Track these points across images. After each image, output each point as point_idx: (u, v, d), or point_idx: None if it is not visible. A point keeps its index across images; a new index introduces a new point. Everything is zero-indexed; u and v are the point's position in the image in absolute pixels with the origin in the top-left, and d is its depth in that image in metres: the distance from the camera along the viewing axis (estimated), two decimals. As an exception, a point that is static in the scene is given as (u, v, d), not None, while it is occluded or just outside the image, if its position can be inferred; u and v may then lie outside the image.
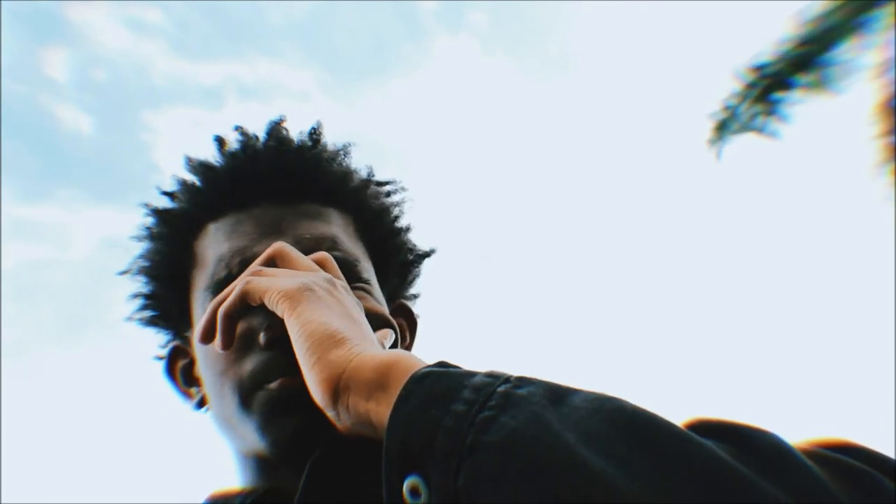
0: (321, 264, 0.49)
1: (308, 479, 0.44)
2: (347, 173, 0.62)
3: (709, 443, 0.27)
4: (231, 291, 0.46)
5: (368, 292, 0.56)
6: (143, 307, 0.63)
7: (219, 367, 0.50)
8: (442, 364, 0.36)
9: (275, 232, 0.54)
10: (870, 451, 0.29)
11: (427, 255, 0.68)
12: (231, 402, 0.50)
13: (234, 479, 0.55)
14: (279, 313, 0.43)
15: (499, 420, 0.29)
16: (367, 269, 0.59)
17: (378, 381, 0.36)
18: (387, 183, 0.66)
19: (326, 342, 0.39)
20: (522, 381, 0.31)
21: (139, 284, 0.63)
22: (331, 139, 0.64)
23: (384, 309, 0.57)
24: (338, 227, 0.59)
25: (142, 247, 0.63)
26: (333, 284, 0.46)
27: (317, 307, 0.42)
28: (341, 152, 0.63)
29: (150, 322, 0.64)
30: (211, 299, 0.51)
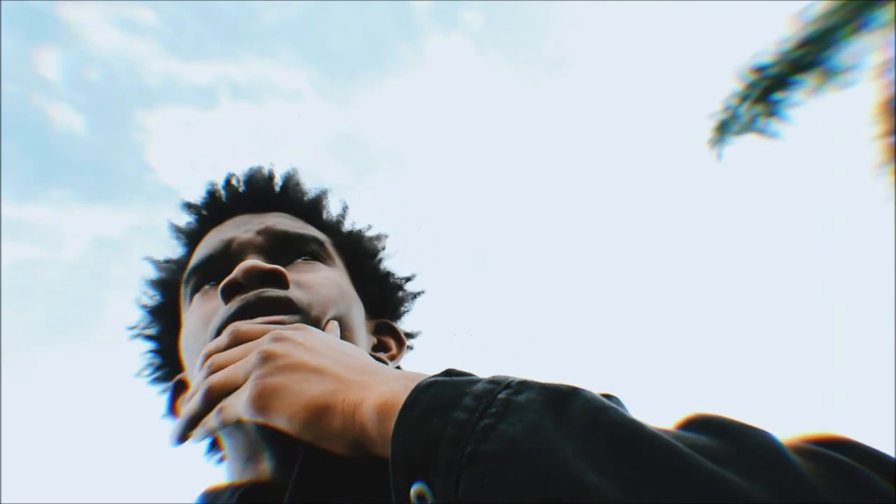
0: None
1: (299, 473, 0.44)
2: (318, 199, 0.72)
3: (696, 446, 0.28)
4: (196, 393, 0.46)
5: (317, 261, 0.63)
6: (150, 354, 0.70)
7: None
8: (448, 372, 0.36)
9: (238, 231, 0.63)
10: (864, 448, 0.29)
11: (405, 283, 0.75)
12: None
13: (225, 473, 0.56)
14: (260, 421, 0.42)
15: (497, 428, 0.29)
16: (320, 245, 0.65)
17: (383, 431, 0.35)
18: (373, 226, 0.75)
19: (318, 423, 0.38)
20: (523, 387, 0.32)
21: (144, 329, 0.71)
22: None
23: (331, 282, 0.61)
24: (300, 227, 0.66)
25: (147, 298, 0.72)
26: (283, 340, 0.45)
27: (284, 397, 0.39)
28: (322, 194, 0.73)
29: (157, 371, 0.70)
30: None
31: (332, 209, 0.73)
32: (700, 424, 0.31)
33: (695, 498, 0.25)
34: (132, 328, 0.71)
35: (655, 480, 0.26)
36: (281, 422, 0.39)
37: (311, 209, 0.71)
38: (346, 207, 0.74)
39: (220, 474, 0.65)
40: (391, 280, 0.74)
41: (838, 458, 0.28)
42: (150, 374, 0.70)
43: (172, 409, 0.65)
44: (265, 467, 0.51)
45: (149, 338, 0.70)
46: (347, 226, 0.73)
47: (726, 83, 5.15)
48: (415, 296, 0.75)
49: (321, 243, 0.66)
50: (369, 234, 0.74)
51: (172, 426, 0.48)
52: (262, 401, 0.40)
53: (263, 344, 0.44)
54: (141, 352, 0.71)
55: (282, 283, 0.55)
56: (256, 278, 0.55)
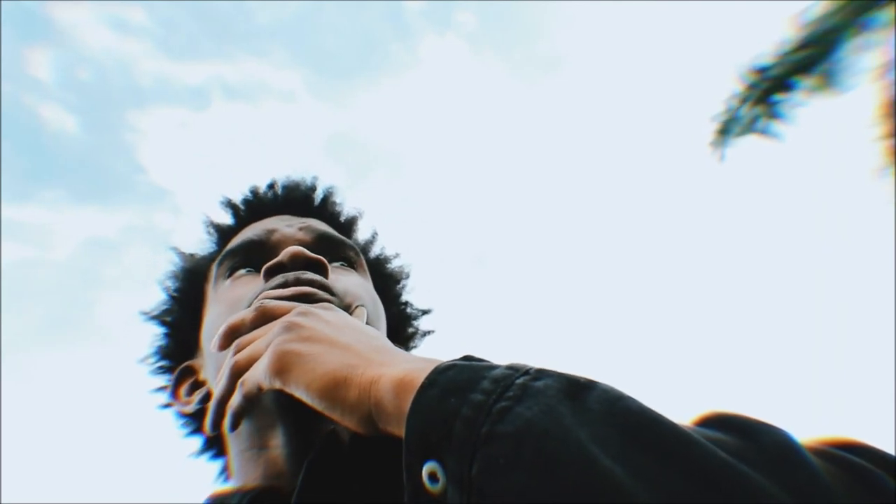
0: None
1: (305, 478, 0.44)
2: (354, 219, 0.76)
3: (714, 440, 0.28)
4: (223, 377, 0.46)
5: (352, 269, 0.65)
6: (162, 339, 0.70)
7: None
8: (467, 358, 0.37)
9: (279, 225, 0.65)
10: (879, 452, 0.29)
11: (422, 315, 0.77)
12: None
13: (233, 478, 0.56)
14: (278, 388, 0.42)
15: (514, 410, 0.29)
16: (357, 254, 0.67)
17: (398, 406, 0.35)
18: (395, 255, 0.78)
19: (334, 393, 0.38)
20: (541, 374, 0.32)
21: (162, 313, 0.71)
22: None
23: (364, 287, 0.63)
24: (340, 233, 0.67)
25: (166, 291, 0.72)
26: (309, 314, 0.46)
27: (303, 364, 0.40)
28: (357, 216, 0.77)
29: (164, 358, 0.69)
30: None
31: (364, 232, 0.76)
32: (717, 421, 0.31)
33: (711, 489, 0.25)
34: (148, 311, 0.71)
35: (671, 469, 0.26)
36: (298, 389, 0.40)
37: (346, 225, 0.74)
38: (376, 234, 0.77)
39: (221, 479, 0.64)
40: (409, 309, 0.76)
41: (854, 460, 0.28)
42: (157, 361, 0.70)
43: (175, 395, 0.65)
44: (277, 455, 0.51)
45: (164, 323, 0.71)
46: (376, 250, 0.76)
47: (727, 84, 5.16)
48: (425, 333, 0.77)
49: (357, 252, 0.68)
50: (396, 261, 0.77)
51: (210, 414, 0.47)
52: (280, 365, 0.41)
53: (289, 317, 0.45)
54: (151, 337, 0.71)
55: (323, 272, 0.57)
56: (300, 264, 0.57)
